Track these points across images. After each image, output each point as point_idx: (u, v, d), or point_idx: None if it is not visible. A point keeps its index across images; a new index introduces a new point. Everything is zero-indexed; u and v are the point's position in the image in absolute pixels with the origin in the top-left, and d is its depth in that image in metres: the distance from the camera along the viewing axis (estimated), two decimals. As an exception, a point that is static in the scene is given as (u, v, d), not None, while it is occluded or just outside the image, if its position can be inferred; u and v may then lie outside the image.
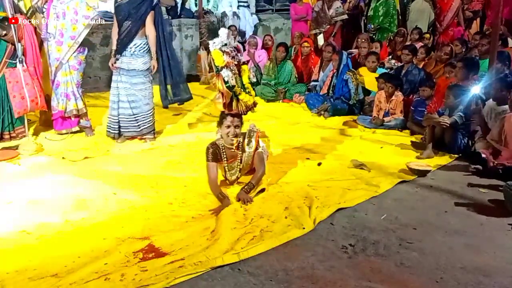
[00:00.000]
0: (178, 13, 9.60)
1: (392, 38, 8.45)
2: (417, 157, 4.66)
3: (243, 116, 3.75)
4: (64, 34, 5.04)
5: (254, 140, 3.86)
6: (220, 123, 3.74)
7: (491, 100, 4.79)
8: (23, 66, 4.82)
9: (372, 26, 8.84)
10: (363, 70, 6.87)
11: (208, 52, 8.36)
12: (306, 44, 7.81)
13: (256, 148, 3.86)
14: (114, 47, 5.03)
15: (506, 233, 3.20)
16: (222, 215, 3.31)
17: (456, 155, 4.71)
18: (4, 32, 4.69)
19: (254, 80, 7.30)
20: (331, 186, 3.92)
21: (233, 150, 3.80)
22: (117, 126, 5.12)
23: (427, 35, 8.22)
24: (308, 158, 4.63)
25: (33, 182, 3.99)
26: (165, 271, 2.65)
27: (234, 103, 3.62)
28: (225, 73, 3.50)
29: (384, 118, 5.81)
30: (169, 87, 5.37)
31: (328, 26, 8.64)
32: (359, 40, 7.74)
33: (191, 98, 5.68)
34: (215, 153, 3.75)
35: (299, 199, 3.63)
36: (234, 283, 2.59)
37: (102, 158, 4.71)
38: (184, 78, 5.65)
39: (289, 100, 7.25)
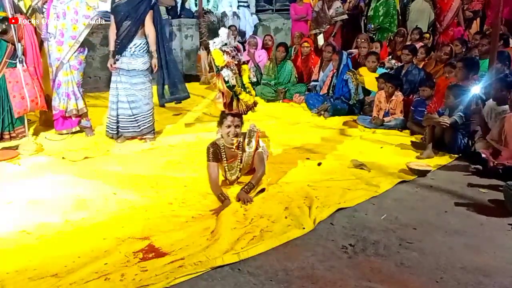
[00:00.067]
0: (178, 13, 9.61)
1: (392, 38, 8.45)
2: (417, 157, 4.66)
3: (243, 115, 3.75)
4: (65, 34, 5.04)
5: (254, 140, 3.86)
6: (220, 123, 3.74)
7: (491, 100, 4.79)
8: (23, 66, 4.82)
9: (372, 26, 8.84)
10: (363, 70, 6.87)
11: (208, 52, 8.38)
12: (306, 44, 7.81)
13: (256, 148, 3.86)
14: (111, 48, 5.01)
15: (506, 233, 3.20)
16: (222, 215, 3.31)
17: (456, 155, 4.71)
18: (4, 27, 4.68)
19: (255, 79, 7.31)
20: (331, 186, 3.92)
21: (233, 149, 3.80)
22: (115, 127, 5.12)
23: (427, 35, 8.23)
24: (308, 158, 4.63)
25: (33, 182, 3.99)
26: (165, 271, 2.65)
27: (234, 103, 3.62)
28: (226, 72, 3.50)
29: (384, 118, 5.81)
30: (166, 86, 5.38)
31: (328, 26, 8.64)
32: (359, 40, 7.74)
33: (188, 97, 5.67)
34: (215, 153, 3.76)
35: (299, 199, 3.63)
36: (234, 283, 2.59)
37: (102, 158, 4.71)
38: (181, 77, 5.65)
39: (289, 100, 7.25)
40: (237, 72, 3.58)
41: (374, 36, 8.66)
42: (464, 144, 4.76)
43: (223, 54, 3.49)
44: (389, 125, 5.72)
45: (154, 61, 5.06)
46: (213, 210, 3.45)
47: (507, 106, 4.48)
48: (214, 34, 3.56)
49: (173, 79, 5.36)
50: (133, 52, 4.97)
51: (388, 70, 6.96)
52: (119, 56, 4.95)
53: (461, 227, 3.26)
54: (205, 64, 8.68)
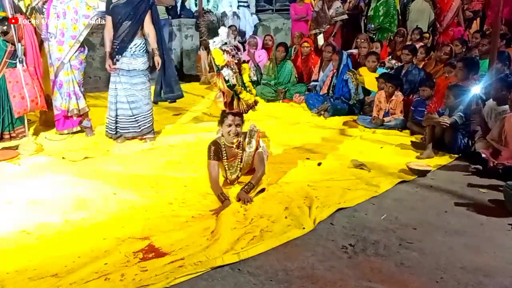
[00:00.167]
0: (178, 13, 9.61)
1: (392, 38, 8.45)
2: (417, 157, 4.66)
3: (244, 114, 3.75)
4: (65, 33, 5.04)
5: (255, 140, 3.86)
6: (221, 122, 3.74)
7: (491, 100, 4.79)
8: (23, 66, 4.81)
9: (372, 26, 8.84)
10: (363, 70, 6.87)
11: (208, 52, 8.39)
12: (306, 44, 7.81)
13: (257, 148, 3.86)
14: (108, 49, 4.97)
15: (506, 233, 3.20)
16: (222, 215, 3.31)
17: (456, 155, 4.72)
18: (5, 28, 4.68)
19: (255, 78, 7.31)
20: (331, 186, 3.92)
21: (233, 149, 3.80)
22: (114, 127, 5.12)
23: (426, 35, 8.23)
24: (308, 158, 4.63)
25: (33, 182, 3.99)
26: (165, 271, 2.65)
27: (235, 102, 3.62)
28: (226, 72, 3.50)
29: (384, 118, 5.81)
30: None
31: (328, 26, 8.64)
32: (359, 40, 7.75)
33: (182, 96, 5.65)
34: (216, 151, 3.76)
35: (299, 199, 3.63)
36: (234, 283, 2.59)
37: (102, 158, 4.71)
38: (177, 77, 5.65)
39: (289, 100, 7.25)
40: (238, 71, 3.58)
41: (374, 36, 8.66)
42: (464, 144, 4.76)
43: (223, 53, 3.49)
44: (389, 125, 5.72)
45: (157, 58, 5.07)
46: (213, 210, 3.45)
47: (507, 106, 4.48)
48: (213, 33, 3.55)
49: (170, 79, 5.37)
50: (134, 52, 4.97)
51: (388, 70, 6.97)
52: (119, 56, 4.94)
53: (461, 227, 3.26)
54: (205, 64, 8.68)
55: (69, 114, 5.23)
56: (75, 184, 3.96)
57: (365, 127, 5.80)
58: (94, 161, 4.61)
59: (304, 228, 3.16)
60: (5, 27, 4.67)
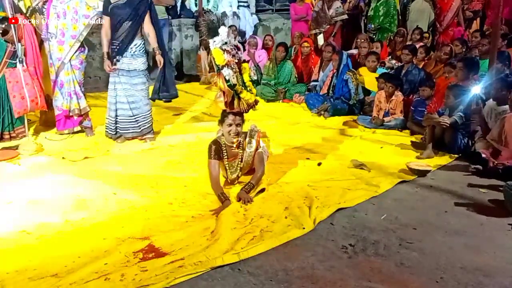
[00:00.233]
0: (178, 13, 9.60)
1: (392, 38, 8.45)
2: (417, 157, 4.66)
3: (244, 114, 3.75)
4: (65, 33, 5.04)
5: (255, 140, 3.86)
6: (221, 121, 3.74)
7: (491, 100, 4.79)
8: (23, 66, 4.82)
9: (373, 26, 8.84)
10: (363, 70, 6.87)
11: (208, 51, 8.39)
12: (306, 44, 7.81)
13: (257, 148, 3.86)
14: (106, 50, 4.95)
15: (506, 233, 3.20)
16: (222, 215, 3.31)
17: (456, 155, 4.71)
18: (4, 27, 4.68)
19: (255, 78, 7.32)
20: (331, 186, 3.92)
21: (233, 148, 3.80)
22: (114, 127, 5.13)
23: (426, 35, 8.23)
24: (308, 158, 4.63)
25: (33, 182, 3.99)
26: (165, 271, 2.65)
27: (235, 102, 3.62)
28: (226, 71, 3.51)
29: (384, 118, 5.81)
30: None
31: (328, 26, 8.63)
32: (359, 40, 7.75)
33: (176, 96, 5.62)
34: (217, 150, 3.76)
35: (299, 199, 3.63)
36: (234, 283, 2.59)
37: (102, 158, 4.71)
38: (173, 77, 5.66)
39: (289, 100, 7.25)
40: (238, 70, 3.58)
41: (374, 36, 8.66)
42: (464, 144, 4.76)
43: (224, 53, 3.49)
44: (389, 125, 5.72)
45: (159, 57, 5.07)
46: (213, 210, 3.45)
47: (507, 106, 4.48)
48: (214, 33, 3.55)
49: (167, 78, 5.37)
50: (134, 52, 4.97)
51: (388, 70, 6.97)
52: (119, 57, 4.94)
53: (461, 227, 3.26)
54: (205, 64, 8.69)
55: (70, 114, 5.23)
56: (75, 184, 3.96)
57: (365, 127, 5.80)
58: (94, 161, 4.60)
59: (304, 228, 3.16)
60: (4, 25, 4.66)
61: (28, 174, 4.21)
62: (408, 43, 7.73)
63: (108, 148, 4.99)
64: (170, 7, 8.99)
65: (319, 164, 4.46)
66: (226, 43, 3.51)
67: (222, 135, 3.80)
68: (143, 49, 5.06)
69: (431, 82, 5.79)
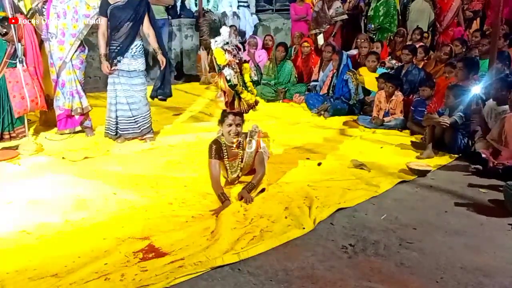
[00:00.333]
0: (178, 13, 9.61)
1: (392, 38, 8.45)
2: (417, 157, 4.66)
3: (244, 114, 3.75)
4: (66, 33, 5.04)
5: (255, 140, 3.86)
6: (221, 121, 3.74)
7: (491, 100, 4.79)
8: (23, 66, 4.82)
9: (373, 26, 8.84)
10: (363, 70, 6.87)
11: (208, 52, 8.40)
12: (306, 44, 7.81)
13: (257, 149, 3.86)
14: (103, 51, 4.94)
15: (506, 233, 3.20)
16: (222, 215, 3.31)
17: (456, 155, 4.71)
18: (5, 31, 4.69)
19: (256, 78, 7.32)
20: (331, 186, 3.92)
21: (233, 148, 3.80)
22: (114, 128, 5.13)
23: (425, 35, 8.23)
24: (308, 158, 4.63)
25: (33, 182, 3.99)
26: (165, 271, 2.65)
27: (236, 102, 3.62)
28: (227, 71, 3.51)
29: (384, 118, 5.81)
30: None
31: (328, 26, 8.63)
32: (359, 40, 7.75)
33: (171, 95, 5.59)
34: (218, 150, 3.76)
35: (299, 199, 3.63)
36: (234, 283, 2.59)
37: (102, 158, 4.71)
38: (171, 76, 5.64)
39: (289, 100, 7.25)
40: (239, 71, 3.58)
41: (374, 36, 8.66)
42: (464, 144, 4.76)
43: (225, 53, 3.49)
44: (389, 125, 5.72)
45: (161, 57, 5.09)
46: (213, 210, 3.45)
47: (507, 106, 4.48)
48: (215, 33, 3.55)
49: (166, 78, 5.39)
50: (134, 53, 4.98)
51: (388, 70, 6.96)
52: (120, 57, 4.94)
53: (461, 227, 3.26)
54: (205, 64, 8.69)
55: (72, 113, 5.24)
56: (75, 184, 3.96)
57: (365, 127, 5.79)
58: (94, 161, 4.60)
59: (304, 228, 3.16)
60: (4, 25, 4.66)
61: (28, 174, 4.21)
62: (408, 43, 7.73)
63: (108, 148, 4.98)
64: (170, 7, 8.99)
65: (319, 164, 4.46)
66: (227, 43, 3.51)
67: (222, 135, 3.80)
68: (142, 49, 5.08)
69: (431, 82, 5.79)
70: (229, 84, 3.51)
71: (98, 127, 5.51)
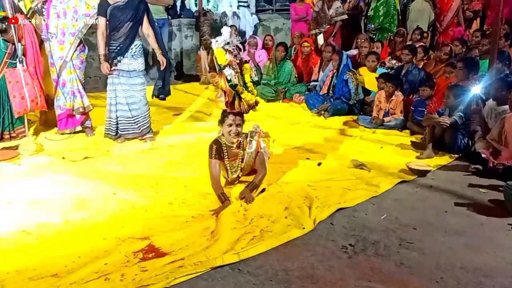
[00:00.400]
0: (178, 13, 9.61)
1: (392, 38, 8.45)
2: (417, 157, 4.66)
3: (245, 114, 3.75)
4: (66, 32, 5.04)
5: (256, 141, 3.86)
6: (222, 122, 3.74)
7: (491, 100, 4.79)
8: (23, 66, 4.82)
9: (372, 26, 8.84)
10: (363, 70, 6.87)
11: (208, 52, 8.40)
12: (306, 44, 7.81)
13: (258, 149, 3.85)
14: (103, 52, 4.93)
15: (506, 233, 3.20)
16: (222, 215, 3.32)
17: (456, 155, 4.72)
18: (4, 26, 4.68)
19: (256, 78, 7.32)
20: (331, 186, 3.92)
21: (233, 148, 3.80)
22: (115, 128, 5.13)
23: (424, 35, 8.23)
24: (308, 158, 4.63)
25: (33, 182, 3.99)
26: (165, 271, 2.65)
27: (236, 102, 3.62)
28: (228, 71, 3.51)
29: (384, 118, 5.81)
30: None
31: (328, 26, 8.63)
32: (359, 40, 7.75)
33: (170, 93, 5.62)
34: (218, 150, 3.76)
35: (299, 199, 3.63)
36: (234, 283, 2.59)
37: (102, 158, 4.71)
38: (169, 75, 5.70)
39: (289, 100, 7.25)
40: (239, 71, 3.58)
41: (374, 36, 8.66)
42: (464, 144, 4.76)
43: (226, 53, 3.50)
44: (389, 125, 5.72)
45: (161, 57, 5.10)
46: (213, 210, 3.45)
47: (507, 106, 4.48)
48: (216, 33, 3.55)
49: (166, 78, 5.40)
50: (134, 53, 4.98)
51: (388, 70, 6.97)
52: (121, 57, 4.94)
53: (461, 227, 3.26)
54: (205, 64, 8.69)
55: (74, 113, 5.24)
56: (75, 184, 3.96)
57: (365, 127, 5.80)
58: (94, 161, 4.60)
59: (304, 228, 3.16)
60: (5, 25, 4.66)
61: (28, 174, 4.21)
62: (408, 43, 7.73)
63: (108, 148, 4.98)
64: (170, 7, 9.00)
65: (319, 164, 4.45)
66: (228, 43, 3.51)
67: (223, 135, 3.80)
68: (142, 49, 5.08)
69: (431, 82, 5.79)
70: (229, 84, 3.51)
71: (98, 127, 5.51)
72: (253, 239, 3.01)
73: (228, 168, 3.87)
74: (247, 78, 3.66)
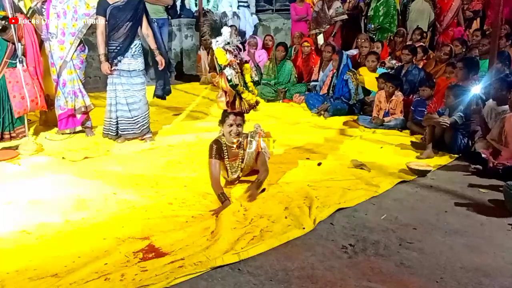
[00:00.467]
0: (178, 13, 9.60)
1: (392, 38, 8.45)
2: (417, 157, 4.66)
3: (245, 114, 3.75)
4: (66, 32, 5.04)
5: (256, 141, 3.86)
6: (222, 121, 3.74)
7: (491, 100, 4.79)
8: (23, 66, 4.82)
9: (373, 26, 8.84)
10: (363, 70, 6.87)
11: (208, 52, 8.40)
12: (306, 43, 7.81)
13: (258, 150, 3.85)
14: (103, 51, 4.91)
15: (506, 233, 3.20)
16: (222, 215, 3.32)
17: (456, 155, 4.71)
18: (3, 24, 4.68)
19: (256, 78, 7.32)
20: (331, 186, 3.92)
21: (233, 148, 3.80)
22: (115, 128, 5.13)
23: (424, 35, 8.23)
24: (308, 158, 4.63)
25: (33, 182, 3.99)
26: (165, 271, 2.65)
27: (237, 102, 3.62)
28: (228, 71, 3.51)
29: (384, 118, 5.81)
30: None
31: (328, 26, 8.64)
32: (360, 40, 7.75)
33: (170, 91, 5.68)
34: (218, 150, 3.76)
35: (299, 199, 3.63)
36: (234, 283, 2.59)
37: (102, 158, 4.71)
38: (168, 75, 5.72)
39: (289, 100, 7.25)
40: (240, 71, 3.58)
41: (374, 36, 8.66)
42: (464, 144, 4.76)
43: (226, 53, 3.50)
44: (389, 125, 5.72)
45: (160, 57, 5.10)
46: (213, 210, 3.45)
47: (507, 106, 4.48)
48: (217, 33, 3.55)
49: (166, 78, 5.41)
50: (134, 52, 4.99)
51: (388, 70, 6.96)
52: (121, 57, 4.94)
53: (461, 227, 3.26)
54: (205, 64, 8.69)
55: (76, 112, 5.24)
56: (75, 184, 3.97)
57: (365, 127, 5.79)
58: (94, 161, 4.61)
59: (304, 228, 3.16)
60: (4, 23, 4.66)
61: (28, 174, 4.21)
62: (408, 43, 7.73)
63: (108, 148, 4.99)
64: (170, 6, 8.99)
65: (319, 164, 4.46)
66: (228, 43, 3.51)
67: (223, 135, 3.80)
68: (141, 49, 5.09)
69: (431, 82, 5.79)
70: (230, 84, 3.52)
71: (98, 127, 5.51)
72: (253, 239, 3.01)
73: (228, 168, 3.87)
74: (248, 78, 3.66)
